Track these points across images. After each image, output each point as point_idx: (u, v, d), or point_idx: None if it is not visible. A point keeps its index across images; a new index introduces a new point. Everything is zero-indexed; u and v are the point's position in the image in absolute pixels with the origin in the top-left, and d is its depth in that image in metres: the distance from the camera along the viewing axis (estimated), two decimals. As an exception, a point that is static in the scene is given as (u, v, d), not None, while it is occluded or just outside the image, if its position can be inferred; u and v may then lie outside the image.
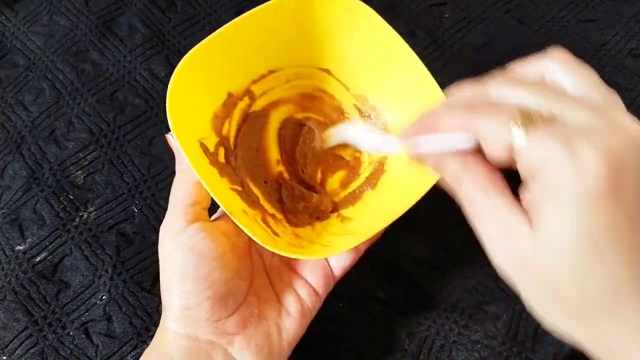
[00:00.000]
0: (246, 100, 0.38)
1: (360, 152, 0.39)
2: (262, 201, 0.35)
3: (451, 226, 0.39)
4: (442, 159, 0.24)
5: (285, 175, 0.38)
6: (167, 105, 0.31)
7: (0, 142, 0.43)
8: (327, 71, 0.39)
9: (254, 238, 0.29)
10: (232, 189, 0.34)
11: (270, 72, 0.38)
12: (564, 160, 0.19)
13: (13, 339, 0.37)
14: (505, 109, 0.21)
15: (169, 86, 0.31)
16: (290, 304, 0.32)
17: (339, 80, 0.39)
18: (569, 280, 0.20)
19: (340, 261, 0.33)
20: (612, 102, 0.22)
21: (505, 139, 0.21)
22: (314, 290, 0.33)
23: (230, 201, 0.32)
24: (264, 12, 0.34)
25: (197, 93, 0.34)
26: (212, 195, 0.30)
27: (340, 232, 0.35)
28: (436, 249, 0.39)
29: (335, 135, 0.36)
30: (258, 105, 0.38)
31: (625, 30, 0.46)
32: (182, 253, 0.29)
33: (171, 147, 0.32)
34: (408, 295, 0.38)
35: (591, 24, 0.47)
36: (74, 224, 0.40)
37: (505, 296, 0.37)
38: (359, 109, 0.39)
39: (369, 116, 0.39)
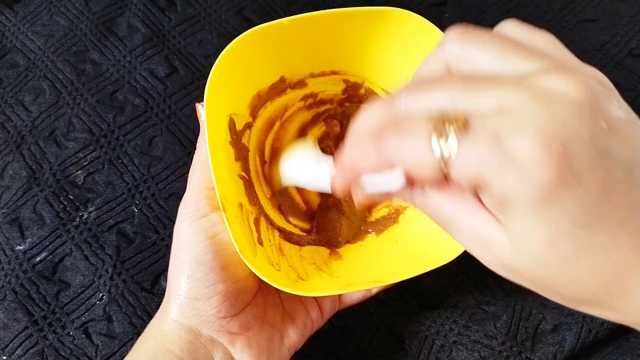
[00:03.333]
0: (297, 90, 0.36)
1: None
2: (262, 199, 0.34)
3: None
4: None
5: None
6: (212, 70, 0.29)
7: (0, 142, 0.43)
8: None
9: (234, 244, 0.27)
10: (240, 176, 0.32)
11: (333, 72, 0.36)
12: (499, 168, 0.16)
13: (13, 339, 0.37)
14: (415, 123, 0.18)
15: (223, 52, 0.29)
16: (295, 311, 0.32)
17: None
18: (564, 280, 0.18)
19: (349, 295, 0.32)
20: (535, 62, 0.18)
21: (427, 158, 0.17)
22: (319, 305, 0.32)
23: (232, 190, 0.30)
24: (348, 15, 0.31)
25: (247, 67, 0.32)
26: (213, 179, 0.27)
27: (323, 267, 0.33)
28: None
29: (285, 170, 0.33)
30: (305, 98, 0.37)
31: (625, 30, 0.46)
32: (201, 239, 0.28)
33: (198, 117, 0.30)
34: (408, 295, 0.38)
35: (591, 24, 0.47)
36: (74, 224, 0.40)
37: (505, 296, 0.37)
38: None
39: None
